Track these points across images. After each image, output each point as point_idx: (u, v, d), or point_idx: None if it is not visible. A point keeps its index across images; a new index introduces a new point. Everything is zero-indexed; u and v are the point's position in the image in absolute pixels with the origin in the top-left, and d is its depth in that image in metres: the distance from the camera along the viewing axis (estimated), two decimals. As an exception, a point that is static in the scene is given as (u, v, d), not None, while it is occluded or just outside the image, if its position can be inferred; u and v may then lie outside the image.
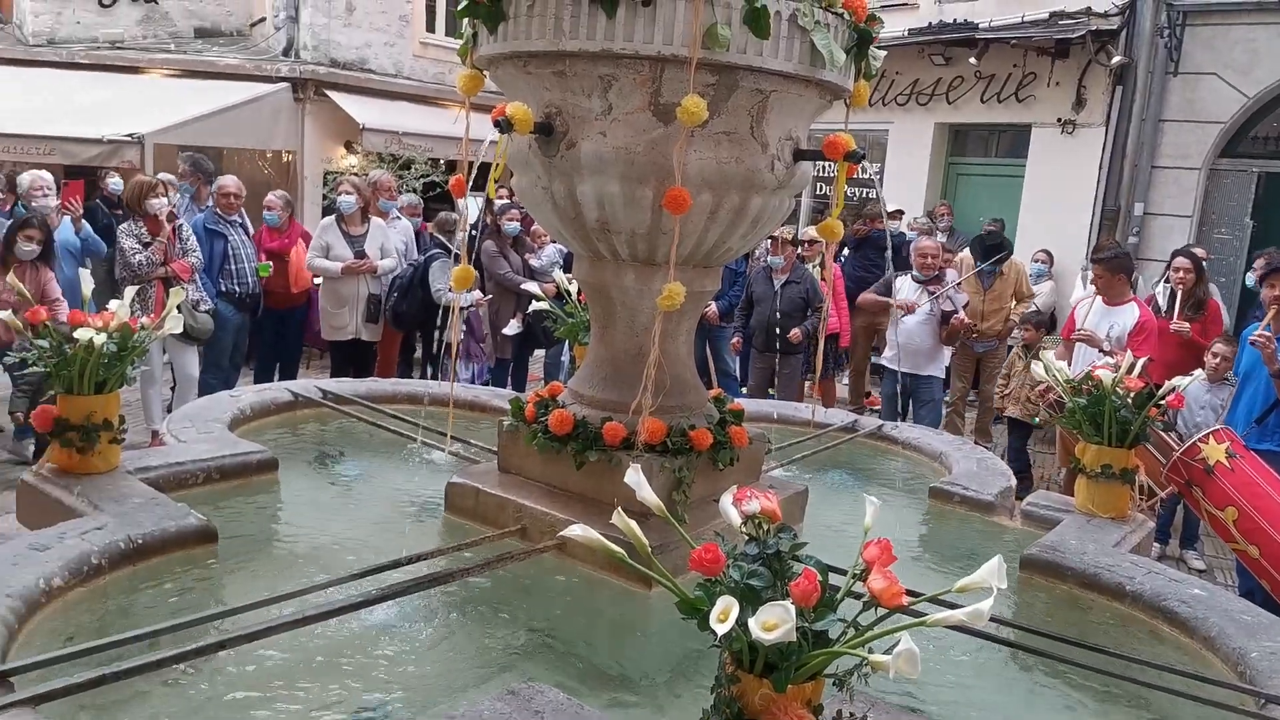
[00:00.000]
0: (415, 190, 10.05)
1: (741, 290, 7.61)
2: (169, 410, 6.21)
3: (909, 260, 7.40)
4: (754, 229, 2.78)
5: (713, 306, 7.45)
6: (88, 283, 3.06)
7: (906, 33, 11.01)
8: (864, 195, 12.02)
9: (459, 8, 2.70)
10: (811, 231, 7.88)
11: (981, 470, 3.84)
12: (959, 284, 7.05)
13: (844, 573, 1.57)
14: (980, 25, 10.62)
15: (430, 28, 13.34)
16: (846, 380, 9.06)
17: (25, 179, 6.45)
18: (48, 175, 6.68)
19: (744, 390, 7.79)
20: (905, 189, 11.46)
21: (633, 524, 1.51)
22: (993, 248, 7.30)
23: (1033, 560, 2.98)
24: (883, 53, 2.80)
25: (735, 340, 7.92)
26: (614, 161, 2.54)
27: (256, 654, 2.15)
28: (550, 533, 2.70)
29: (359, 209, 6.95)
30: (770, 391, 7.31)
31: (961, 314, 6.75)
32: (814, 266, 7.76)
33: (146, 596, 2.43)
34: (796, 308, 7.14)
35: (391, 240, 7.20)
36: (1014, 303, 7.50)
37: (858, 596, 1.50)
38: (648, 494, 1.60)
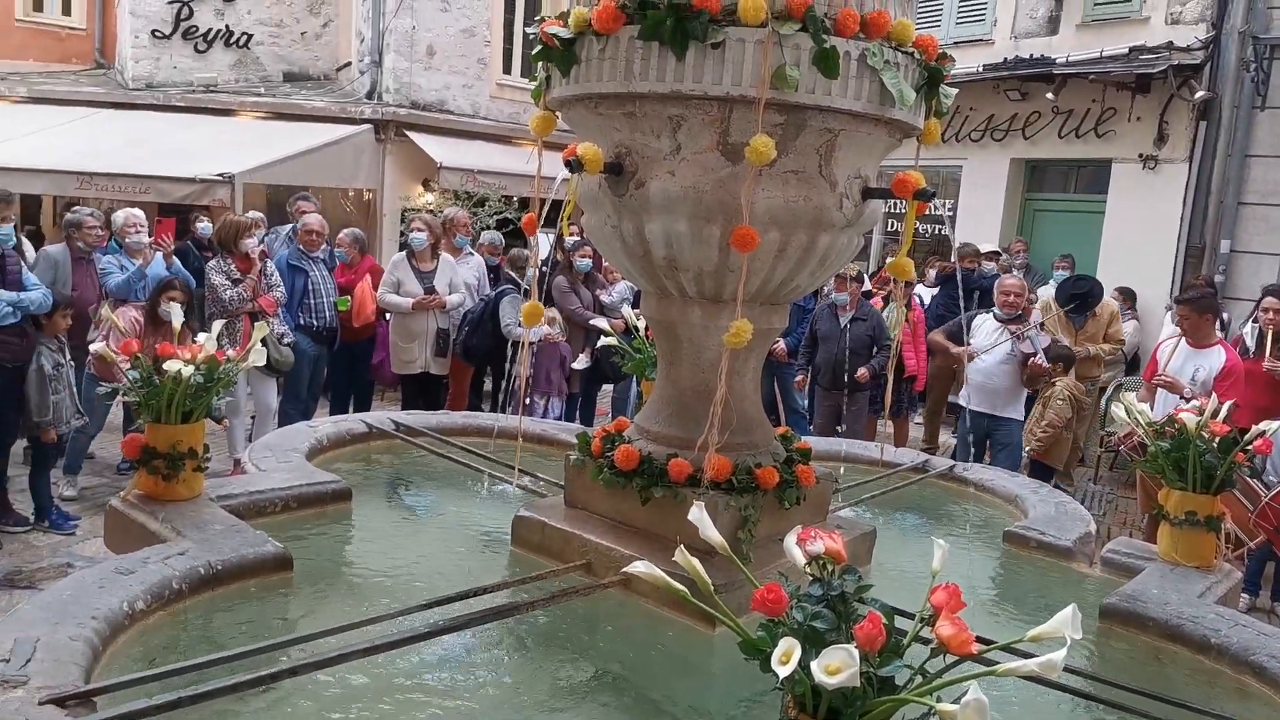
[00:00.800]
0: (489, 227, 10.27)
1: (810, 327, 7.56)
2: (250, 440, 6.43)
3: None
4: (822, 267, 2.78)
5: (781, 343, 7.42)
6: (177, 316, 3.20)
7: (981, 68, 10.90)
8: (935, 232, 11.88)
9: (534, 52, 2.78)
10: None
11: (1060, 515, 3.73)
12: (1041, 325, 6.90)
13: (912, 617, 1.54)
14: (1057, 60, 10.46)
15: (506, 69, 13.68)
16: (920, 419, 8.91)
17: (119, 217, 6.77)
18: (139, 213, 6.97)
19: (811, 428, 7.71)
20: (979, 226, 11.28)
21: (695, 562, 1.51)
22: (1079, 296, 7.12)
23: (1112, 610, 2.87)
24: (954, 90, 2.79)
25: (800, 378, 7.87)
26: (682, 200, 2.57)
27: (326, 681, 2.19)
28: (615, 568, 2.70)
29: (429, 245, 7.13)
30: (838, 429, 7.23)
31: (1041, 357, 6.59)
32: (899, 306, 7.69)
33: (224, 621, 2.50)
34: (863, 345, 7.06)
35: (460, 276, 7.36)
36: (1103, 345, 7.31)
37: (925, 642, 1.47)
38: (711, 532, 1.60)
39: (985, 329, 6.77)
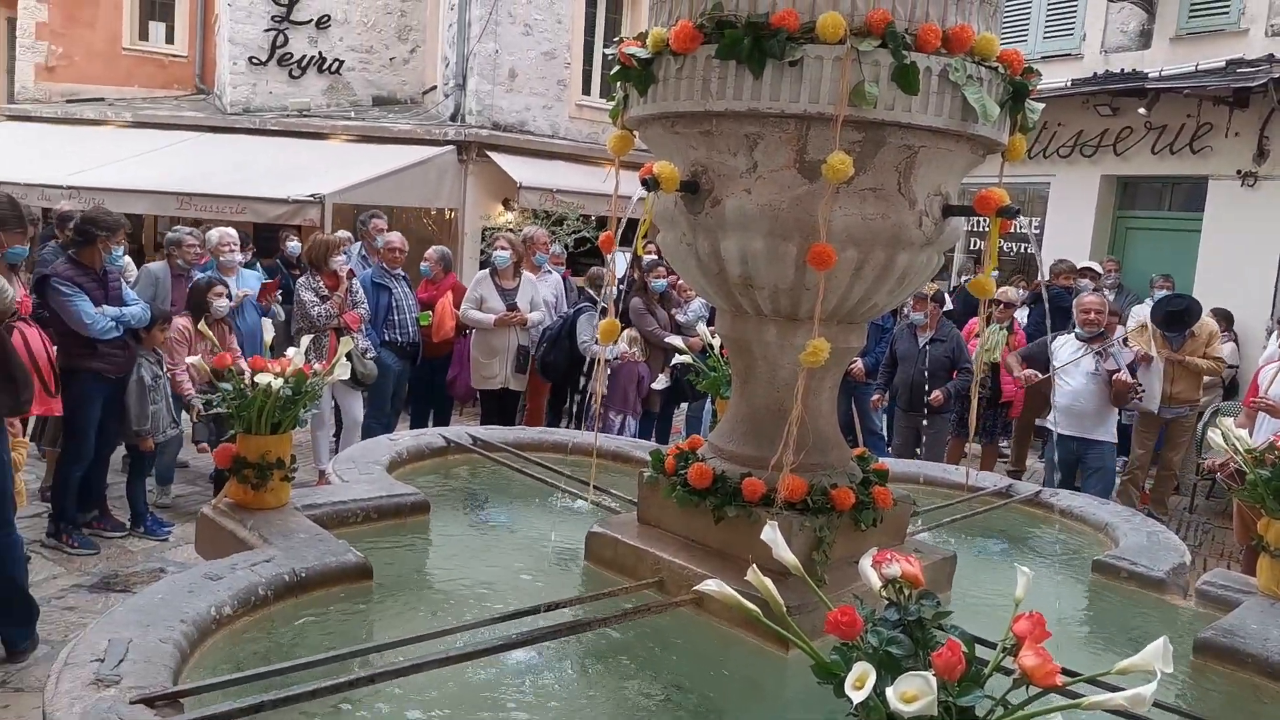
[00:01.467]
0: (566, 246, 10.40)
1: (889, 346, 7.44)
2: (335, 451, 6.61)
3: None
4: (900, 285, 2.73)
5: (858, 363, 7.32)
6: (269, 331, 3.32)
7: (1070, 83, 10.63)
8: (1020, 250, 11.59)
9: (612, 72, 2.82)
10: (1010, 291, 7.67)
11: (1152, 544, 3.58)
12: (1124, 339, 6.66)
13: (993, 646, 1.50)
14: (1150, 75, 10.13)
15: (586, 90, 13.89)
16: (1008, 444, 8.67)
17: (213, 235, 7.05)
18: (232, 232, 7.22)
19: (890, 449, 7.57)
20: (1068, 244, 10.96)
21: (768, 582, 1.50)
22: (1176, 314, 6.85)
23: (1207, 644, 2.74)
24: (1041, 105, 2.72)
25: (876, 398, 7.74)
26: (758, 218, 2.57)
27: (401, 691, 2.23)
28: (687, 586, 2.69)
29: (512, 264, 7.25)
30: (916, 452, 7.08)
31: (1124, 373, 6.34)
32: (1002, 329, 7.53)
33: (307, 626, 2.56)
34: (942, 367, 6.91)
35: (541, 294, 7.47)
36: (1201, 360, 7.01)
37: (1007, 673, 1.43)
38: (784, 552, 1.58)
39: (1066, 350, 6.56)
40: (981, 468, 7.84)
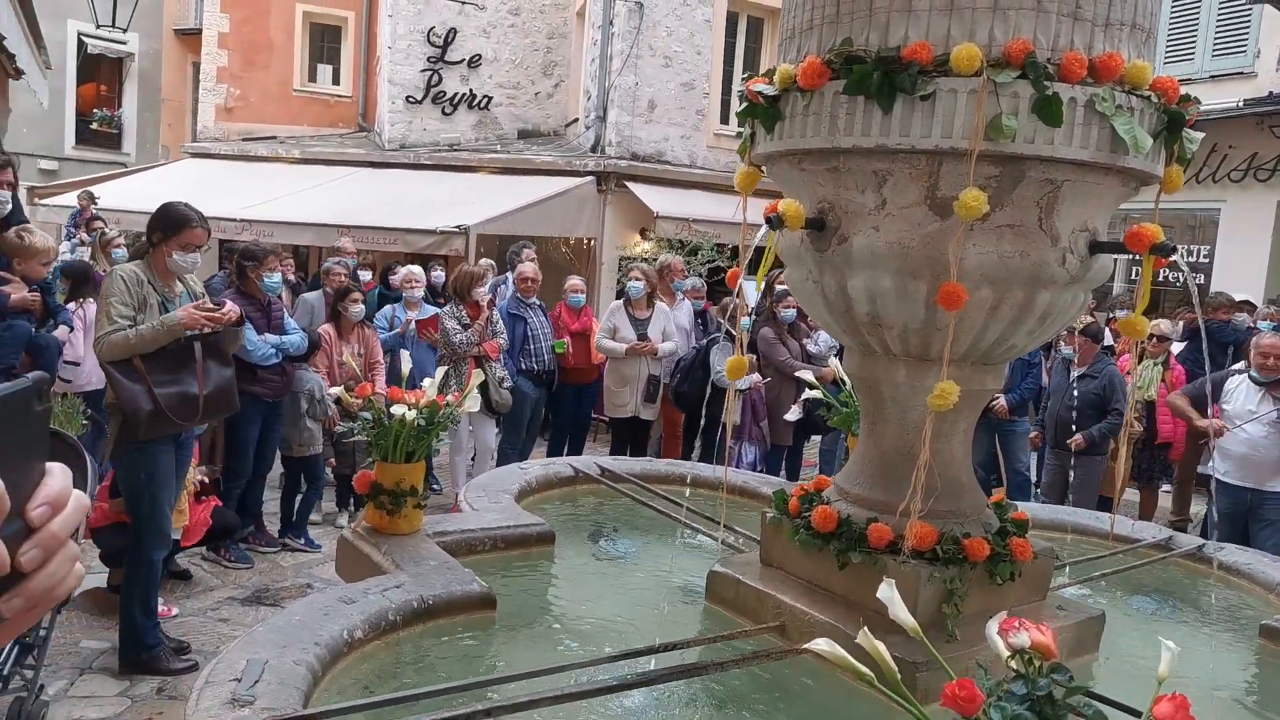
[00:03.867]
0: (700, 275, 10.42)
1: (1035, 382, 7.07)
2: (470, 475, 6.81)
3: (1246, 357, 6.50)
4: (1041, 326, 2.59)
5: (1001, 400, 6.98)
6: (406, 362, 3.46)
7: (1241, 103, 9.91)
8: (1174, 279, 10.81)
9: (739, 110, 2.81)
10: (1164, 325, 7.22)
11: (1333, 610, 3.24)
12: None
13: (1138, 715, 1.38)
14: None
15: (724, 120, 13.94)
16: (1170, 488, 8.07)
17: (401, 272, 7.73)
18: (418, 270, 8.01)
19: (1038, 489, 7.18)
20: (1240, 274, 10.16)
21: (880, 647, 1.43)
22: None
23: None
24: (1200, 135, 2.54)
25: (1034, 435, 7.35)
26: (887, 256, 2.49)
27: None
28: (810, 633, 2.61)
29: (646, 294, 7.33)
30: (1067, 495, 6.68)
31: None
32: (1156, 364, 7.07)
33: (433, 653, 2.63)
34: (1091, 405, 6.49)
35: (675, 323, 7.50)
36: None
37: (1147, 758, 1.31)
38: (902, 613, 1.51)
39: (1241, 394, 6.01)
40: (1140, 514, 7.33)
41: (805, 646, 1.49)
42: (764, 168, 2.87)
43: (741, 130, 2.90)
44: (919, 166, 2.41)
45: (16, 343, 4.48)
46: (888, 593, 1.51)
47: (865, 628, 1.42)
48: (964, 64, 2.25)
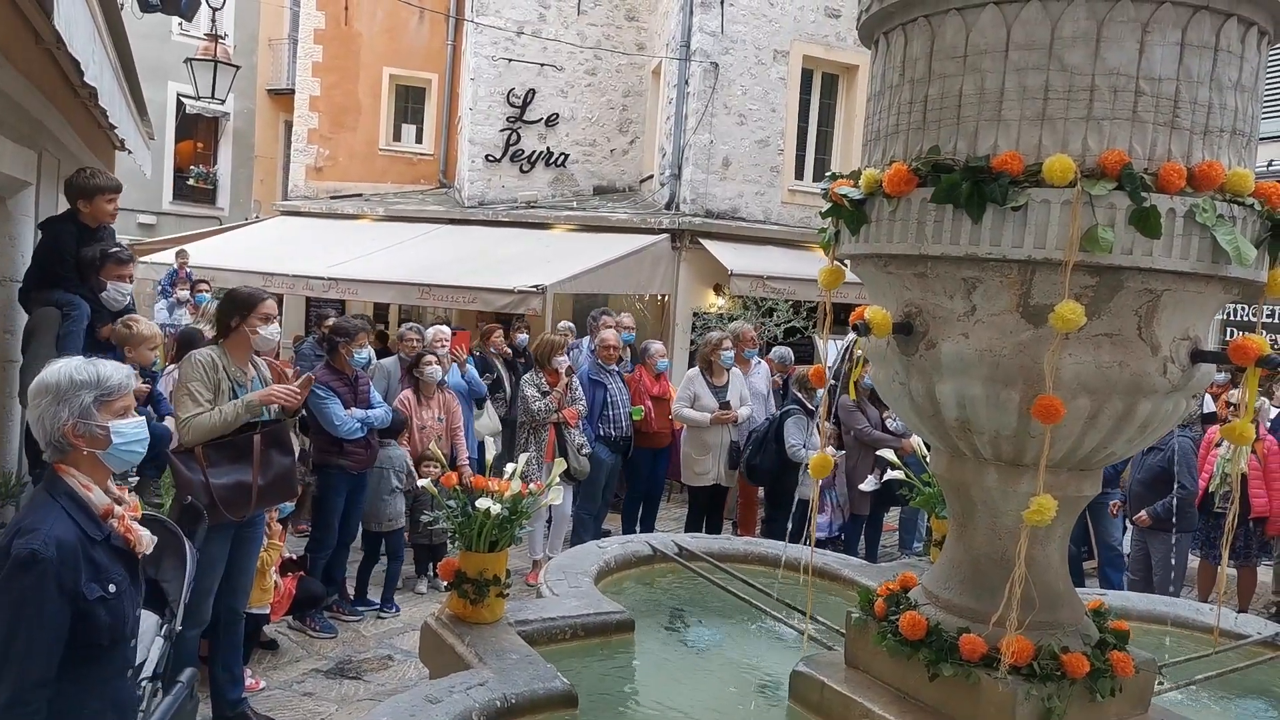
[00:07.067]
0: (778, 338, 10.37)
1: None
2: (547, 538, 6.86)
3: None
4: (1142, 434, 2.51)
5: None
6: (491, 449, 3.51)
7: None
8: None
9: (823, 210, 2.81)
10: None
11: None
12: None
13: None
14: None
15: (799, 175, 13.95)
16: (1271, 562, 7.66)
17: (430, 332, 7.72)
18: (446, 329, 7.98)
19: (1125, 562, 6.90)
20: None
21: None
22: None
23: None
24: (1308, 237, 2.44)
25: (1115, 504, 7.08)
26: (977, 363, 2.45)
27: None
28: (898, 747, 2.54)
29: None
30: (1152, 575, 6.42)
31: None
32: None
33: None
34: (1156, 478, 6.24)
35: (749, 388, 7.47)
36: None
37: None
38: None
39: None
40: (1239, 591, 6.97)
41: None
42: (848, 264, 2.86)
43: (825, 227, 2.90)
44: (1010, 275, 2.37)
45: (159, 444, 4.23)
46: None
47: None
48: (1057, 175, 2.22)
